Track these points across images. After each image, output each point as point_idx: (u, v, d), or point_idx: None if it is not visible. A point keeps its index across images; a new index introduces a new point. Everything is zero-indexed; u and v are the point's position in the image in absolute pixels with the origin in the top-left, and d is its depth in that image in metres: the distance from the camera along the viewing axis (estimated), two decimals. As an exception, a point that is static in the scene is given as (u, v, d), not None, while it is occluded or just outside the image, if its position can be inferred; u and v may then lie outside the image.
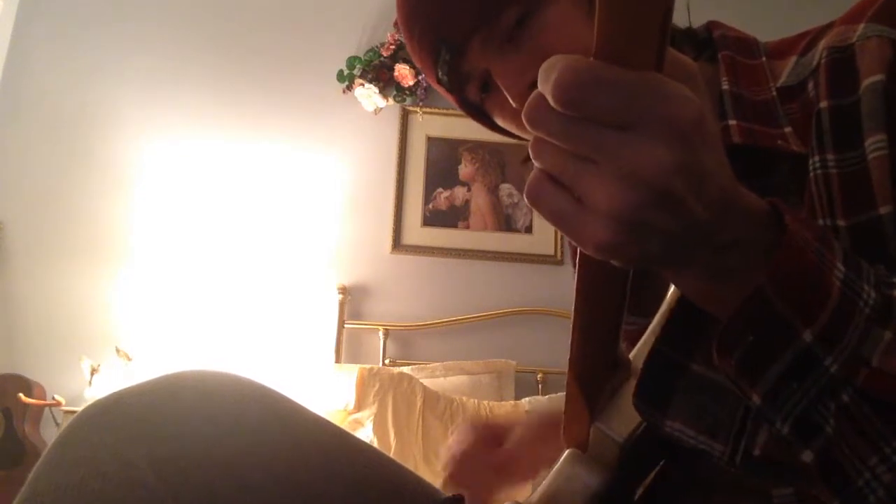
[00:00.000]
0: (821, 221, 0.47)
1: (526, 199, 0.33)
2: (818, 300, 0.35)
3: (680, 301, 0.41)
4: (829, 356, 0.35)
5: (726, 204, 0.33)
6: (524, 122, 0.31)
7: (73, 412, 1.95)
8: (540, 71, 0.30)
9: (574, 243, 0.33)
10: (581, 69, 0.29)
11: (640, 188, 0.29)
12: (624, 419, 0.43)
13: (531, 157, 0.32)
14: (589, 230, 0.31)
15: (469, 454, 0.69)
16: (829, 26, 0.55)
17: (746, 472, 0.41)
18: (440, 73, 0.60)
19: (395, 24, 2.67)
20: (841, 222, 0.46)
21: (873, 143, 0.45)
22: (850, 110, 0.47)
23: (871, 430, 0.35)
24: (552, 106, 0.30)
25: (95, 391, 2.16)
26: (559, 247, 2.66)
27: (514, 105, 0.58)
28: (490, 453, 0.70)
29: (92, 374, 2.22)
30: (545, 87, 0.30)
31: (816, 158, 0.48)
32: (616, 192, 0.30)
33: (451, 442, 0.72)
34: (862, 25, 0.49)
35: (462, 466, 0.69)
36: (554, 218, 0.33)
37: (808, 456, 0.37)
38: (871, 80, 0.47)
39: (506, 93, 0.57)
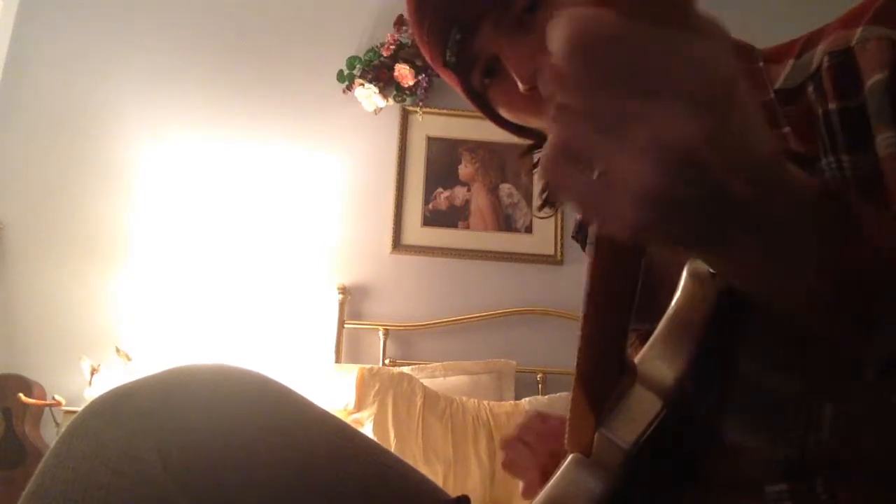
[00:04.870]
0: None
1: (543, 179, 0.31)
2: None
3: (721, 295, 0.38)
4: None
5: (765, 177, 0.30)
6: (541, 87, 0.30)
7: (74, 412, 1.95)
8: (553, 27, 0.28)
9: (601, 227, 0.31)
10: (602, 21, 0.27)
11: (664, 158, 0.27)
12: (629, 425, 0.43)
13: (549, 124, 0.30)
14: (615, 210, 0.29)
15: (528, 443, 0.72)
16: (822, 31, 0.55)
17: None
18: (448, 55, 0.60)
19: (395, 24, 2.67)
20: None
21: (884, 140, 0.46)
22: (858, 113, 0.48)
23: None
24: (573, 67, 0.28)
25: (95, 391, 2.16)
26: (559, 247, 2.66)
27: (521, 88, 0.58)
28: (549, 444, 0.71)
29: (92, 374, 2.22)
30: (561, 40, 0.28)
31: (831, 159, 0.48)
32: (641, 163, 0.27)
33: (513, 430, 0.75)
34: (860, 29, 0.50)
35: (518, 454, 0.72)
36: (577, 199, 0.30)
37: None
38: (873, 79, 0.47)
39: (514, 75, 0.58)
